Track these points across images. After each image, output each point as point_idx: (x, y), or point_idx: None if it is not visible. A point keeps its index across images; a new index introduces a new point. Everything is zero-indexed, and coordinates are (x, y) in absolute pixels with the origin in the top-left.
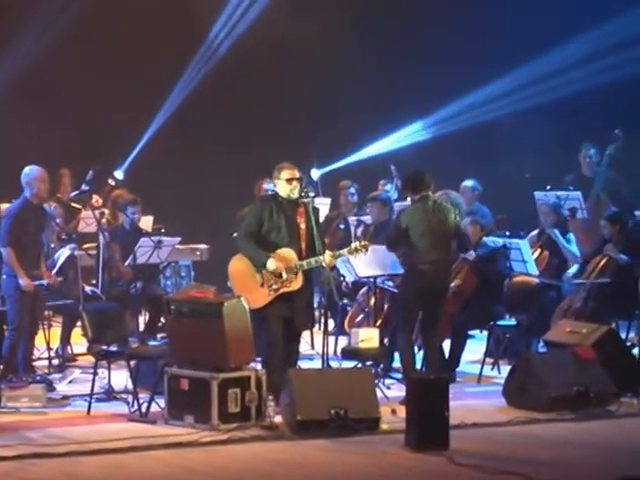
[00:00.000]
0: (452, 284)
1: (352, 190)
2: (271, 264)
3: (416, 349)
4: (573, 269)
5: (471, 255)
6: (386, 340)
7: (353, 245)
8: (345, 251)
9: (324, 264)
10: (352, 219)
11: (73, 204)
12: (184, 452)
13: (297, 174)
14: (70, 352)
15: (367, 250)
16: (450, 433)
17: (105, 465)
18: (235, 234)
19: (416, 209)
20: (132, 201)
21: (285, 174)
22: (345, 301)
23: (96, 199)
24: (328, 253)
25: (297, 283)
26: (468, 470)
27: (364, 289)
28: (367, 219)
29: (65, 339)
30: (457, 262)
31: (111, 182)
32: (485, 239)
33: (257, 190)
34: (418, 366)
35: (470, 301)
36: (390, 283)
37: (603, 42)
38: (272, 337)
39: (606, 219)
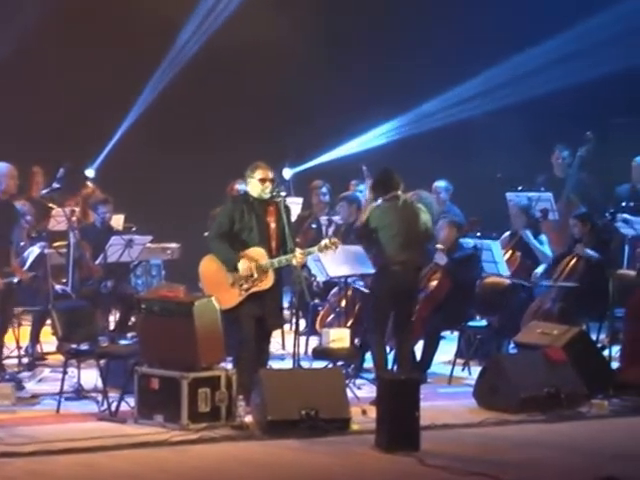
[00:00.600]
0: (427, 287)
1: (324, 190)
2: (242, 265)
3: (388, 349)
4: (541, 269)
5: (442, 259)
6: (357, 340)
7: (323, 242)
8: (315, 249)
9: (294, 262)
10: (323, 219)
11: (50, 204)
12: (154, 451)
13: (270, 174)
14: (39, 351)
15: (337, 247)
16: (421, 434)
17: (74, 464)
18: (206, 233)
19: (386, 209)
20: (103, 200)
21: (259, 174)
22: (316, 301)
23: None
24: (298, 251)
25: (268, 282)
26: (438, 471)
27: (335, 289)
28: (338, 219)
29: (34, 337)
30: (431, 265)
31: (90, 185)
32: (461, 240)
33: (229, 190)
34: (390, 366)
35: (443, 304)
36: (361, 283)
37: (576, 43)
38: (244, 337)
39: (576, 218)
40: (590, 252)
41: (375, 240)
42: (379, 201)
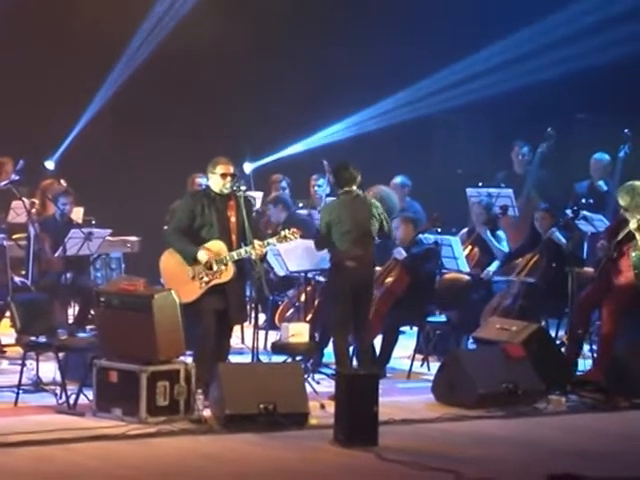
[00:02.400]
0: (385, 282)
1: (283, 184)
2: (202, 255)
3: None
4: (493, 266)
5: (401, 254)
6: (316, 335)
7: (282, 233)
8: (274, 239)
9: (254, 254)
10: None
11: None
12: (112, 445)
13: (232, 169)
14: None
15: (297, 237)
16: (379, 429)
17: (32, 457)
18: (166, 227)
19: (337, 204)
20: (64, 192)
21: (220, 169)
22: (275, 295)
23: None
24: (257, 242)
25: (228, 274)
26: (396, 466)
27: (293, 289)
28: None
29: None
30: (389, 260)
31: (60, 183)
32: (420, 236)
33: (190, 184)
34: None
35: (402, 299)
36: (321, 278)
37: (537, 40)
38: (204, 331)
39: (543, 210)
40: (561, 237)
41: (328, 237)
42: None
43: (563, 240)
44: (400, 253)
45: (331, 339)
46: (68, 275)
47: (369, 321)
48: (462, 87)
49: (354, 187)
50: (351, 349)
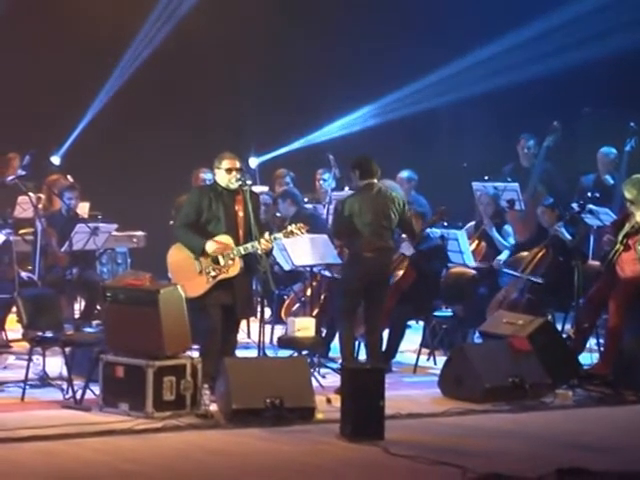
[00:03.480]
0: (393, 277)
1: (287, 179)
2: (210, 246)
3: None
4: (504, 255)
5: (408, 249)
6: (322, 329)
7: (289, 227)
8: (281, 234)
9: (260, 249)
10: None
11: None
12: (118, 439)
13: (237, 164)
14: (4, 338)
15: (303, 232)
16: (385, 423)
17: (39, 452)
18: (172, 222)
19: (359, 197)
20: (70, 186)
21: (225, 164)
22: (282, 290)
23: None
24: (264, 237)
25: (235, 269)
26: (403, 460)
27: (299, 284)
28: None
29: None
30: (397, 255)
31: (66, 178)
32: (428, 230)
33: (194, 179)
34: (356, 355)
35: (409, 294)
36: (327, 273)
37: (544, 33)
38: (211, 325)
39: (545, 206)
40: (565, 233)
41: (349, 228)
42: (346, 189)
43: (568, 236)
44: (408, 248)
45: (337, 332)
46: (74, 270)
47: (381, 314)
48: (468, 80)
49: (375, 180)
50: (357, 343)
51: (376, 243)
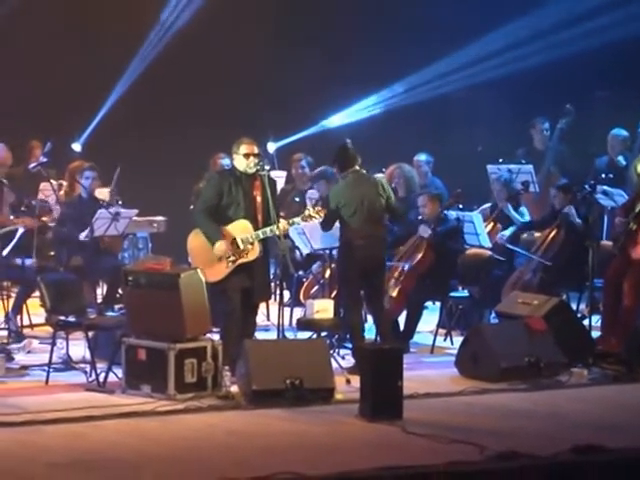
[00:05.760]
0: (411, 259)
1: (303, 163)
2: (219, 247)
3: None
4: (508, 231)
5: (426, 232)
6: (341, 311)
7: (307, 212)
8: (299, 218)
9: (278, 232)
10: (310, 192)
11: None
12: (141, 421)
13: (255, 149)
14: (20, 324)
15: (321, 216)
16: (403, 403)
17: (63, 434)
18: (192, 207)
19: (343, 186)
20: (90, 167)
21: (243, 149)
22: (300, 273)
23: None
24: (282, 221)
25: (254, 253)
26: (421, 439)
27: (318, 263)
28: (312, 193)
29: (18, 309)
30: (415, 237)
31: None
32: (446, 212)
33: (212, 164)
34: (371, 337)
35: (426, 275)
36: None
37: (557, 16)
38: (231, 308)
39: (557, 188)
40: (575, 216)
41: (336, 218)
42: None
43: (577, 219)
44: (426, 231)
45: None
46: (95, 255)
47: (384, 298)
48: (482, 64)
49: (356, 167)
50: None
51: (365, 230)
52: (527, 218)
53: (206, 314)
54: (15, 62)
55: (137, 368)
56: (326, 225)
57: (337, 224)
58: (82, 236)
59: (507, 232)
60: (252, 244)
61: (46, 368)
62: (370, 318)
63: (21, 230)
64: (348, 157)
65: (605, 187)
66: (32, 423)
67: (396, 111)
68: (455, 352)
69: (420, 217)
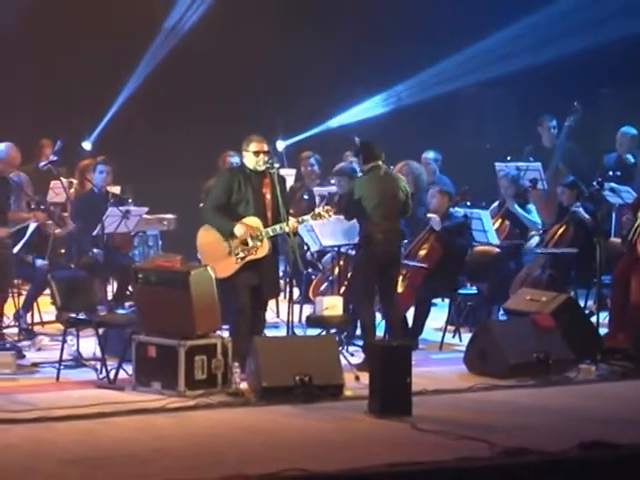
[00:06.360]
0: (418, 255)
1: (312, 161)
2: (239, 229)
3: (379, 317)
4: (534, 240)
5: (438, 224)
6: (350, 307)
7: (317, 210)
8: (309, 217)
9: (287, 229)
10: (317, 190)
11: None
12: (151, 418)
13: (265, 147)
14: (29, 322)
15: (331, 215)
16: (412, 399)
17: (74, 431)
18: (202, 204)
19: (368, 179)
20: (103, 160)
21: (253, 146)
22: (309, 270)
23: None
24: (292, 219)
25: (263, 250)
26: (430, 435)
27: (327, 256)
28: (326, 190)
29: (28, 306)
30: (423, 232)
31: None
32: (451, 210)
33: (222, 162)
34: (381, 334)
35: (435, 272)
36: (354, 252)
37: (564, 15)
38: (240, 305)
39: (563, 186)
40: (584, 213)
41: (360, 210)
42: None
43: (586, 215)
44: (437, 223)
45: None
46: (106, 253)
47: (396, 294)
48: (490, 62)
49: (380, 162)
50: (378, 321)
51: (385, 225)
52: (535, 215)
53: (216, 311)
54: (25, 61)
55: (147, 365)
56: (348, 215)
57: (351, 222)
58: (94, 233)
59: (533, 241)
60: (261, 241)
61: (57, 365)
62: (378, 315)
63: (33, 225)
64: (373, 151)
65: (613, 184)
66: (43, 420)
67: (404, 109)
68: (464, 349)
69: (427, 214)
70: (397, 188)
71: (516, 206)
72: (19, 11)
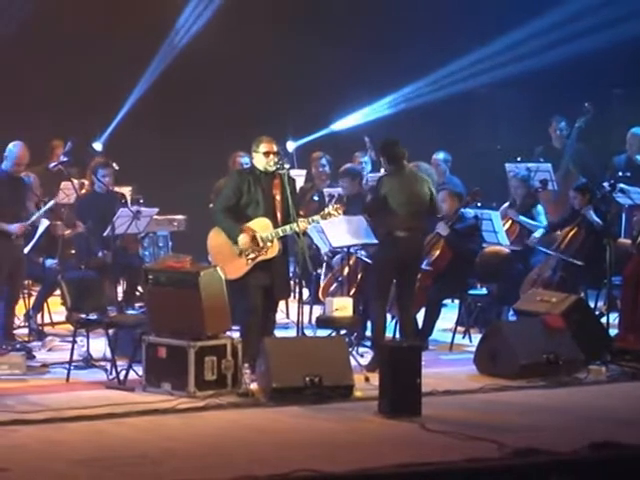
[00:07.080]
0: (429, 257)
1: (323, 161)
2: (242, 240)
3: (389, 317)
4: (538, 233)
5: (445, 230)
6: (360, 309)
7: (326, 210)
8: (318, 216)
9: (297, 230)
10: (326, 190)
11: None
12: (161, 419)
13: (275, 148)
14: (40, 323)
15: (340, 213)
16: (422, 400)
17: (83, 432)
18: (212, 205)
19: (394, 178)
20: (104, 163)
21: (263, 147)
22: (319, 271)
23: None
24: (302, 219)
25: (273, 251)
26: (440, 436)
27: (337, 257)
28: (336, 191)
29: (39, 307)
30: (433, 235)
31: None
32: (462, 210)
33: (232, 163)
34: (390, 334)
35: (445, 273)
36: (363, 252)
37: (575, 14)
38: (251, 306)
39: (575, 190)
40: (595, 217)
41: (383, 207)
42: (382, 172)
43: (597, 219)
44: (444, 229)
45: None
46: (114, 253)
47: (413, 294)
48: (501, 63)
49: (404, 162)
50: (392, 323)
51: (409, 223)
52: (542, 217)
53: (226, 312)
54: (37, 62)
55: (157, 366)
56: (370, 210)
57: (363, 224)
58: (104, 234)
59: (537, 234)
60: (271, 242)
61: (67, 366)
62: (388, 315)
63: (43, 226)
64: (396, 151)
65: (623, 185)
66: (53, 420)
67: (414, 110)
68: (474, 349)
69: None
70: (422, 187)
71: (520, 217)
72: (30, 13)
